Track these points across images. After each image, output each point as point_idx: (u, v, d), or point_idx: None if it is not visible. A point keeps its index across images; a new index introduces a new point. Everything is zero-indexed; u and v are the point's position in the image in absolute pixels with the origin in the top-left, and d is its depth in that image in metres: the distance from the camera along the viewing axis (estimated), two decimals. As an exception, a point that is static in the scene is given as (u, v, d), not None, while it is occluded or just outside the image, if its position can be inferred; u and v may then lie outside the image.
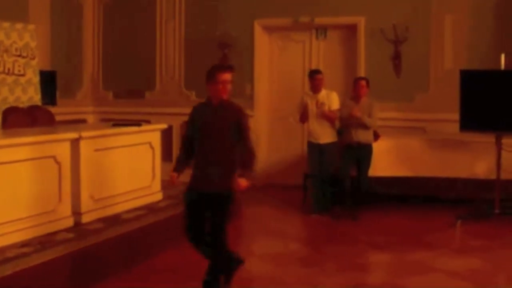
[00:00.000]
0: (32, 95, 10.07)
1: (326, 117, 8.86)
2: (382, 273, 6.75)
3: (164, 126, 8.57)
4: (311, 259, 7.11)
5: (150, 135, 8.12)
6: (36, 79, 10.15)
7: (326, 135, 8.92)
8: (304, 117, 9.09)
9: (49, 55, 11.10)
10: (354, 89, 8.93)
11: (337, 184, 8.93)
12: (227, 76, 5.27)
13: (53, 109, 10.22)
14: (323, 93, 8.96)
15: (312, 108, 8.96)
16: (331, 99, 8.93)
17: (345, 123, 8.86)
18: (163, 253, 6.92)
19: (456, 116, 8.62)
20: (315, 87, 8.97)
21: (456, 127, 8.62)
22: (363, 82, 8.87)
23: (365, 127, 8.73)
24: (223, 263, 5.59)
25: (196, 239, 5.54)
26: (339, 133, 9.02)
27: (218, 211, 5.40)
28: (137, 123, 7.88)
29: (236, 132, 5.32)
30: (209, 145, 5.31)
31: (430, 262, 6.77)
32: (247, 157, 5.35)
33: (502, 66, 8.55)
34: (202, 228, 5.47)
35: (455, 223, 8.38)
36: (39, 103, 10.15)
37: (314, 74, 9.08)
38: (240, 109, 5.44)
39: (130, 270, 6.31)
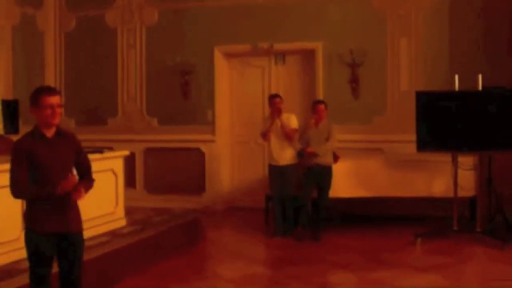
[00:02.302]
0: (-7, 125, 10.05)
1: (287, 132, 8.97)
2: (345, 292, 6.83)
3: (126, 152, 8.59)
4: (275, 280, 7.17)
5: (113, 162, 8.13)
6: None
7: (286, 158, 9.05)
8: (267, 135, 9.19)
9: (10, 84, 11.08)
10: (313, 113, 9.07)
11: (298, 205, 9.05)
12: (55, 99, 4.53)
13: (15, 138, 10.18)
14: (283, 116, 9.09)
15: (272, 130, 9.08)
16: (291, 121, 9.08)
17: (304, 147, 8.99)
18: (129, 278, 6.93)
19: (413, 136, 8.79)
20: (275, 111, 9.10)
21: (413, 147, 8.78)
22: (322, 106, 9.01)
23: (324, 149, 8.87)
24: None
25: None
26: (300, 155, 9.15)
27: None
28: (99, 150, 7.90)
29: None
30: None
31: (391, 280, 6.88)
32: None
33: (457, 87, 8.75)
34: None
35: (415, 241, 8.54)
36: (1, 132, 10.11)
37: (273, 98, 9.23)
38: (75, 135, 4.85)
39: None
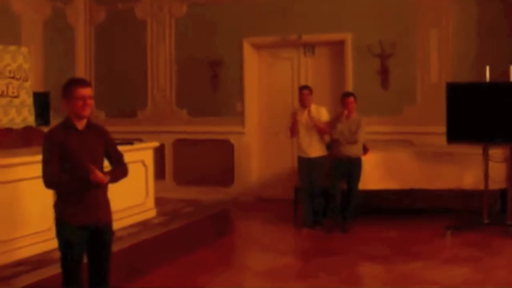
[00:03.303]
0: (26, 116, 10.14)
1: (318, 127, 8.96)
2: (375, 284, 6.82)
3: (156, 144, 8.64)
4: (304, 272, 7.20)
5: (143, 153, 8.18)
6: (30, 101, 10.22)
7: (315, 149, 9.03)
8: (294, 130, 9.18)
9: (42, 77, 11.20)
10: (342, 105, 9.04)
11: (327, 197, 9.05)
12: (87, 91, 4.58)
13: (46, 130, 10.29)
14: (312, 107, 9.07)
15: (302, 122, 9.07)
16: (321, 113, 9.05)
17: (334, 138, 8.97)
18: (158, 269, 7.00)
19: (443, 128, 8.73)
20: (303, 102, 9.10)
21: (443, 139, 8.72)
22: (351, 99, 8.98)
23: (353, 141, 8.85)
24: None
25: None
26: (329, 147, 9.13)
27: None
28: (129, 142, 7.95)
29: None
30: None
31: (421, 272, 6.86)
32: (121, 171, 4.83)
33: (487, 78, 8.67)
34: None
35: (445, 233, 8.49)
36: (33, 124, 10.22)
37: (301, 90, 9.21)
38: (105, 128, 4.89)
39: (126, 285, 6.39)
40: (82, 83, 4.65)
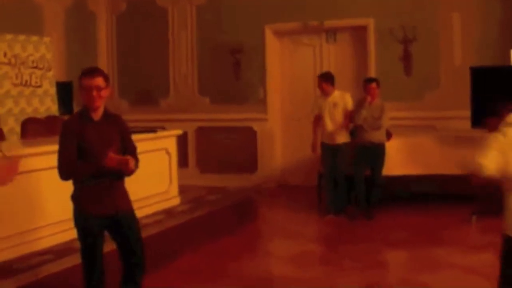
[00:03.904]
0: (49, 106, 10.23)
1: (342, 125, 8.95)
2: (399, 270, 6.83)
3: (179, 132, 8.65)
4: (328, 258, 7.22)
5: (166, 141, 8.20)
6: (53, 90, 10.31)
7: (339, 136, 8.99)
8: (317, 122, 9.17)
9: (64, 66, 11.27)
10: (364, 91, 8.98)
11: (351, 184, 9.02)
12: (95, 81, 4.48)
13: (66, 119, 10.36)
14: (336, 93, 9.02)
15: (325, 109, 9.04)
16: (346, 101, 8.99)
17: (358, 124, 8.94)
18: (183, 255, 7.04)
19: (467, 113, 8.69)
20: (322, 92, 9.10)
21: (467, 123, 8.69)
22: (374, 85, 8.91)
23: (377, 127, 8.81)
24: None
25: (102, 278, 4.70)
26: (352, 133, 9.10)
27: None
28: (152, 130, 7.98)
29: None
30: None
31: (446, 258, 6.85)
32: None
33: (511, 62, 8.61)
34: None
35: (470, 219, 8.45)
36: (57, 113, 10.30)
37: (318, 78, 9.20)
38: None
39: (153, 272, 6.43)
40: (89, 73, 4.53)
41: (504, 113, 3.97)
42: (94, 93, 4.45)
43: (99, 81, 4.49)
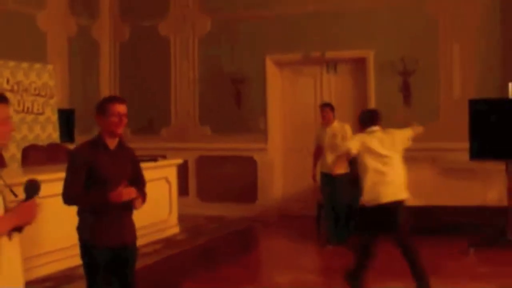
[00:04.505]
0: (50, 133, 10.29)
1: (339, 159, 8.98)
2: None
3: (179, 161, 8.71)
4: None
5: (166, 170, 8.26)
6: (55, 118, 10.37)
7: (338, 166, 9.01)
8: (317, 152, 9.24)
9: (67, 94, 11.34)
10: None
11: (351, 215, 9.04)
12: (122, 108, 4.49)
13: (71, 147, 10.41)
14: (335, 125, 9.11)
15: (325, 140, 9.11)
16: (345, 131, 9.07)
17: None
18: (182, 285, 7.05)
19: (466, 144, 8.73)
20: (323, 120, 9.18)
21: (466, 155, 8.72)
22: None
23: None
24: None
25: None
26: (351, 163, 9.13)
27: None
28: (153, 158, 8.03)
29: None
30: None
31: (444, 290, 6.84)
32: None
33: (510, 95, 8.66)
34: None
35: (468, 250, 8.46)
36: (58, 141, 10.35)
37: (321, 107, 9.29)
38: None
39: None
40: (119, 99, 4.58)
41: (366, 127, 6.97)
42: (123, 119, 4.47)
43: (125, 108, 4.53)
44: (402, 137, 7.24)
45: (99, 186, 4.39)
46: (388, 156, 6.98)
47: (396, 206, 6.67)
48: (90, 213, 4.49)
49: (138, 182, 4.69)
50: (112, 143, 4.54)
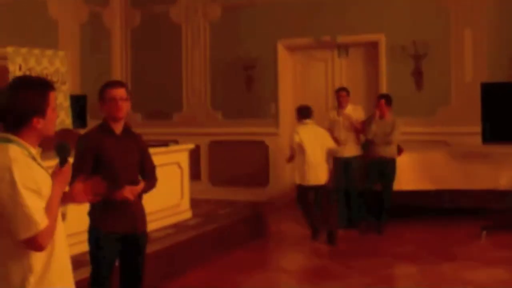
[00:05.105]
0: (63, 119, 10.29)
1: (354, 126, 9.00)
2: (409, 285, 6.81)
3: (191, 146, 8.72)
4: (337, 273, 7.20)
5: (178, 155, 8.27)
6: (67, 103, 10.37)
7: (351, 149, 9.06)
8: (331, 132, 9.26)
9: (79, 80, 11.37)
10: (376, 106, 9.06)
11: (362, 198, 9.05)
12: (119, 92, 4.53)
13: (83, 132, 10.44)
14: (349, 107, 9.14)
15: (339, 122, 9.13)
16: (357, 112, 9.09)
17: (369, 139, 9.00)
18: (193, 270, 7.08)
19: (478, 128, 8.69)
20: (339, 103, 9.20)
21: (478, 139, 8.69)
22: (382, 101, 8.97)
23: (388, 142, 8.85)
24: None
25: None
26: (363, 148, 9.15)
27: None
28: (165, 144, 8.05)
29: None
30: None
31: (456, 273, 6.85)
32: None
33: (523, 78, 8.61)
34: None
35: (480, 234, 8.44)
36: (70, 127, 10.37)
37: (337, 91, 9.31)
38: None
39: (163, 286, 6.47)
40: (114, 84, 4.62)
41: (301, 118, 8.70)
42: (120, 103, 4.48)
43: (123, 92, 4.55)
44: (325, 137, 8.73)
45: (106, 170, 4.37)
46: (315, 145, 8.49)
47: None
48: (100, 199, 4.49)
49: (146, 168, 4.71)
50: (117, 128, 4.56)
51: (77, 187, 3.33)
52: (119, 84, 4.68)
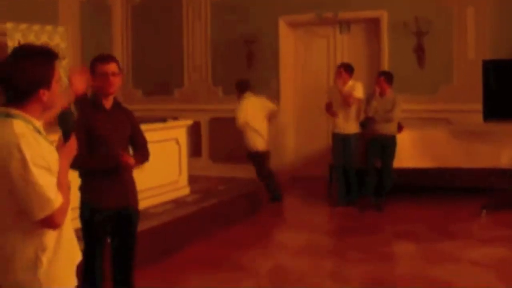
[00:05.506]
0: (62, 95, 10.29)
1: (344, 96, 8.92)
2: (407, 263, 6.81)
3: (189, 122, 8.68)
4: (337, 250, 7.23)
5: (176, 131, 8.23)
6: (66, 80, 10.36)
7: (350, 126, 9.01)
8: (329, 106, 9.20)
9: (79, 56, 11.31)
10: (376, 84, 9.01)
11: (362, 176, 9.03)
12: (110, 67, 4.47)
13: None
14: (349, 83, 9.05)
15: (338, 99, 9.07)
16: (355, 88, 8.99)
17: (369, 116, 8.95)
18: (192, 245, 7.09)
19: (480, 106, 8.65)
20: (334, 79, 9.26)
21: (480, 117, 8.65)
22: (382, 78, 8.92)
23: (388, 119, 8.79)
24: None
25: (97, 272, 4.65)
26: (363, 125, 9.10)
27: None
28: (162, 119, 8.02)
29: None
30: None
31: (455, 252, 6.83)
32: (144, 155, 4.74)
33: (525, 55, 8.55)
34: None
35: (480, 212, 8.43)
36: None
37: (337, 68, 9.23)
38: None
39: (161, 261, 6.48)
40: (105, 59, 4.52)
41: (241, 92, 9.28)
42: (111, 78, 4.43)
43: (114, 67, 4.49)
44: (264, 103, 9.49)
45: (98, 145, 4.37)
46: (259, 115, 9.28)
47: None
48: (91, 174, 4.47)
49: (138, 143, 4.69)
50: (108, 103, 4.53)
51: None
52: (111, 58, 4.57)
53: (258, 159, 9.36)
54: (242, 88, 9.38)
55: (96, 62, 4.49)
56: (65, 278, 2.94)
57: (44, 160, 2.73)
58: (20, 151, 2.67)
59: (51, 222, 2.76)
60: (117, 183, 4.50)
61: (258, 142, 9.31)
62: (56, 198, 2.74)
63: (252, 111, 9.22)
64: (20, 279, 2.80)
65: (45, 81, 2.82)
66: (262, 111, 9.40)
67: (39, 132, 2.80)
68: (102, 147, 4.38)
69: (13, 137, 2.68)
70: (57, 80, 2.87)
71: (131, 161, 4.45)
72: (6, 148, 2.68)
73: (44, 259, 2.80)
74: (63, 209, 2.79)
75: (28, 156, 2.67)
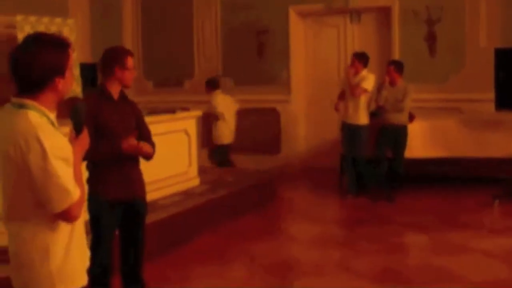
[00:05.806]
0: (73, 87, 10.28)
1: (351, 87, 8.85)
2: (418, 253, 6.78)
3: (199, 113, 8.64)
4: (347, 240, 7.19)
5: (186, 123, 8.19)
6: (77, 71, 10.32)
7: (360, 116, 8.94)
8: (342, 94, 9.14)
9: (89, 48, 11.31)
10: (386, 73, 8.95)
11: (373, 166, 8.97)
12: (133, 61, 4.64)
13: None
14: (362, 73, 8.96)
15: (348, 88, 9.01)
16: (366, 80, 8.90)
17: (380, 106, 8.89)
18: (202, 236, 7.09)
19: (491, 95, 8.57)
20: (350, 68, 9.07)
21: (491, 106, 8.57)
22: (391, 68, 8.82)
23: (399, 109, 8.72)
24: None
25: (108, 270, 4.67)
26: (374, 115, 9.04)
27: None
28: (172, 110, 7.99)
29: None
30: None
31: (466, 242, 6.78)
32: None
33: (537, 43, 8.46)
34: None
35: (492, 202, 8.36)
36: (80, 95, 10.34)
37: (351, 56, 9.16)
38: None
39: (171, 252, 6.48)
40: (131, 53, 4.63)
41: (212, 89, 9.98)
42: (133, 72, 4.59)
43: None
44: (231, 101, 10.13)
45: (105, 136, 4.36)
46: (230, 110, 9.92)
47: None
48: (99, 166, 4.46)
49: (143, 135, 4.66)
50: (115, 94, 4.55)
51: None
52: (132, 53, 4.69)
53: (224, 149, 10.02)
54: (213, 85, 10.05)
55: (127, 56, 4.56)
56: (77, 275, 2.91)
57: (63, 151, 2.69)
58: (39, 142, 2.62)
59: (69, 214, 2.73)
60: (125, 175, 4.50)
61: (227, 134, 9.96)
62: (74, 191, 2.72)
63: (225, 106, 9.90)
64: (33, 273, 2.78)
65: (60, 69, 2.76)
66: (233, 107, 10.11)
67: (53, 124, 2.75)
68: (108, 138, 4.37)
69: (31, 127, 2.63)
70: (70, 68, 2.82)
71: (133, 141, 4.42)
72: (23, 139, 2.63)
73: (58, 254, 2.78)
74: (80, 202, 2.77)
75: (47, 147, 2.62)
